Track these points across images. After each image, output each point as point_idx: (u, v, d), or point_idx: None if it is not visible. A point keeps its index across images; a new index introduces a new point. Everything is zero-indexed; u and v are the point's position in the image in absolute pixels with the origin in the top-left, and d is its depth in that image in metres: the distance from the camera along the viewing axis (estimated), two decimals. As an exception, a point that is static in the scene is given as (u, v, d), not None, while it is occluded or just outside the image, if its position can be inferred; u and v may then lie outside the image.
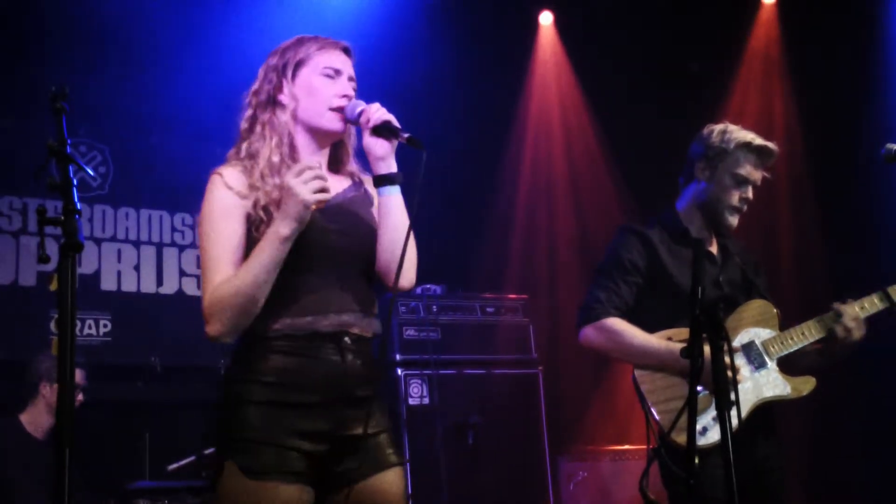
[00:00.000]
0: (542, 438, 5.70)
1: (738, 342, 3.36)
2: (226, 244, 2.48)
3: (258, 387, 2.44)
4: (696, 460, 2.57)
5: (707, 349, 2.85)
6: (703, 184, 3.50)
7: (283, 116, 2.62)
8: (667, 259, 3.44)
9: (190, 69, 5.86)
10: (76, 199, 2.18)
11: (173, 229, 6.14)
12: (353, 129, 2.72)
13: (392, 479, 2.53)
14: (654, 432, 3.26)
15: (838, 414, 5.94)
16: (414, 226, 2.57)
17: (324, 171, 2.51)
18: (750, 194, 3.49)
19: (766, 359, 3.37)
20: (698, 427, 3.21)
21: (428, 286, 5.84)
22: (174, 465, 4.83)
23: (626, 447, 5.72)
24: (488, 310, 5.91)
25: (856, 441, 6.00)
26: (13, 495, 4.59)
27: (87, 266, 5.80)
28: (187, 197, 6.09)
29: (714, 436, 3.18)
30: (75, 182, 2.22)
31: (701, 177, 3.50)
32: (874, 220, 6.16)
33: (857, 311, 3.41)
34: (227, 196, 2.51)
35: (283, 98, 2.64)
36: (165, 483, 4.76)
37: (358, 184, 2.71)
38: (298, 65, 2.65)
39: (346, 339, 2.49)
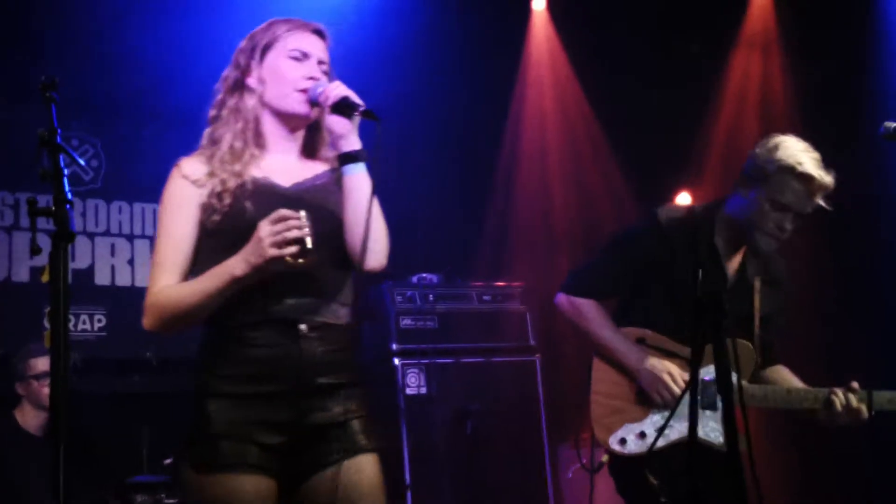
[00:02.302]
0: (541, 426, 5.68)
1: (700, 375, 3.22)
2: (174, 243, 2.48)
3: (215, 379, 2.43)
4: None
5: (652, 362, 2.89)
6: (743, 199, 3.31)
7: (251, 101, 2.60)
8: (676, 264, 3.29)
9: (183, 62, 5.82)
10: (67, 189, 2.17)
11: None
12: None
13: (362, 466, 2.48)
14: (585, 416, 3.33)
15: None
16: (387, 206, 2.58)
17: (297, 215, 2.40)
18: (789, 225, 3.26)
19: (719, 404, 3.12)
20: (618, 436, 3.26)
21: (424, 275, 5.82)
22: (171, 459, 4.81)
23: (626, 434, 5.70)
24: (485, 297, 5.88)
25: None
26: (11, 491, 4.57)
27: (80, 261, 5.77)
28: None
29: (634, 448, 3.22)
30: (66, 172, 2.21)
31: (742, 193, 3.31)
32: (877, 205, 6.15)
33: (854, 403, 3.28)
34: (181, 186, 2.51)
35: (251, 82, 2.61)
36: (164, 477, 4.73)
37: (333, 170, 2.66)
38: (266, 48, 2.63)
39: (303, 326, 2.44)
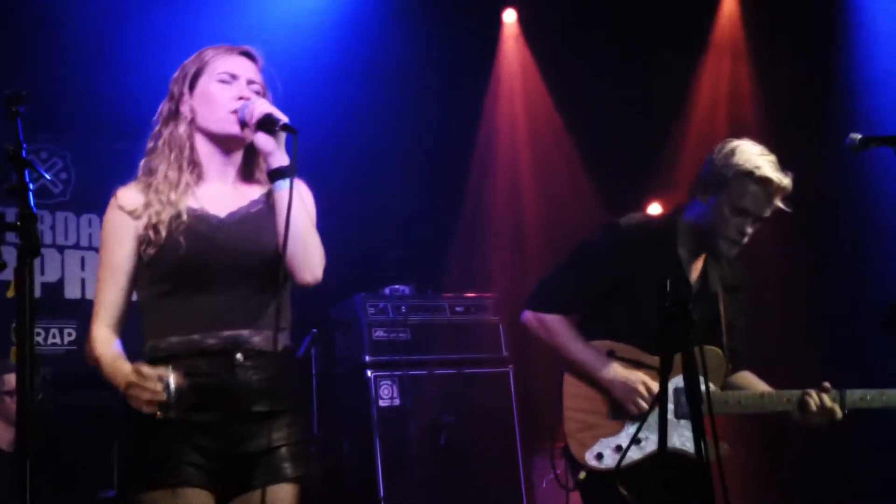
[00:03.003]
0: (515, 436, 5.69)
1: (674, 384, 3.25)
2: (112, 276, 2.54)
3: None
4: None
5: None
6: (702, 206, 3.30)
7: (182, 127, 2.62)
8: (638, 274, 3.28)
9: (152, 75, 5.78)
10: (32, 204, 2.16)
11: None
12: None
13: (281, 495, 2.51)
14: (559, 432, 3.32)
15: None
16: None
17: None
18: (749, 228, 3.26)
19: None
20: (595, 452, 3.26)
21: (396, 287, 5.82)
22: (115, 492, 4.79)
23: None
24: (458, 309, 5.89)
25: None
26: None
27: (50, 274, 5.73)
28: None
29: (610, 462, 3.22)
30: (32, 186, 2.20)
31: (701, 199, 3.30)
32: (845, 212, 6.21)
33: (828, 403, 3.29)
34: (118, 217, 2.57)
35: (184, 109, 2.64)
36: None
37: (268, 193, 2.65)
38: (196, 75, 2.65)
39: (238, 355, 2.48)
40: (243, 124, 2.58)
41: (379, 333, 5.60)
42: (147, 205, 2.54)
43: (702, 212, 3.30)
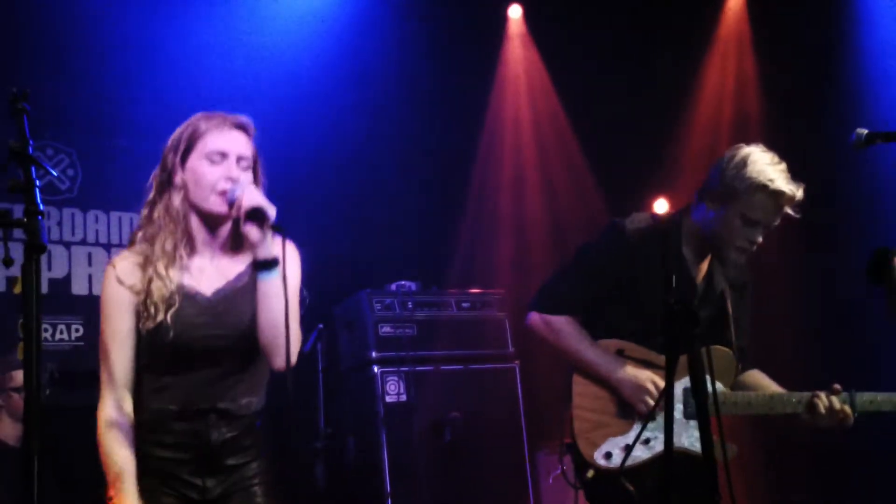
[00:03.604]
0: (521, 432, 5.69)
1: (681, 385, 3.26)
2: (120, 347, 2.66)
3: (152, 460, 2.68)
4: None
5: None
6: (711, 213, 3.28)
7: (177, 200, 2.71)
8: (642, 275, 3.26)
9: (156, 72, 5.81)
10: (39, 201, 2.16)
11: (145, 232, 6.09)
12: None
13: None
14: (568, 431, 3.31)
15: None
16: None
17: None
18: (759, 238, 3.26)
19: None
20: (603, 451, 3.25)
21: (403, 283, 5.82)
22: None
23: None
24: (464, 305, 5.89)
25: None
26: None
27: (57, 270, 5.74)
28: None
29: (619, 461, 3.21)
30: (38, 183, 2.20)
31: (710, 206, 3.28)
32: (851, 208, 6.20)
33: (837, 405, 3.27)
34: (117, 291, 2.67)
35: (177, 181, 2.72)
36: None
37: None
38: (187, 151, 2.72)
39: (213, 415, 2.68)
40: (232, 204, 2.66)
41: (385, 329, 5.60)
42: (146, 280, 2.66)
43: (710, 218, 3.29)
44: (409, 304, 5.73)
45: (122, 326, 2.66)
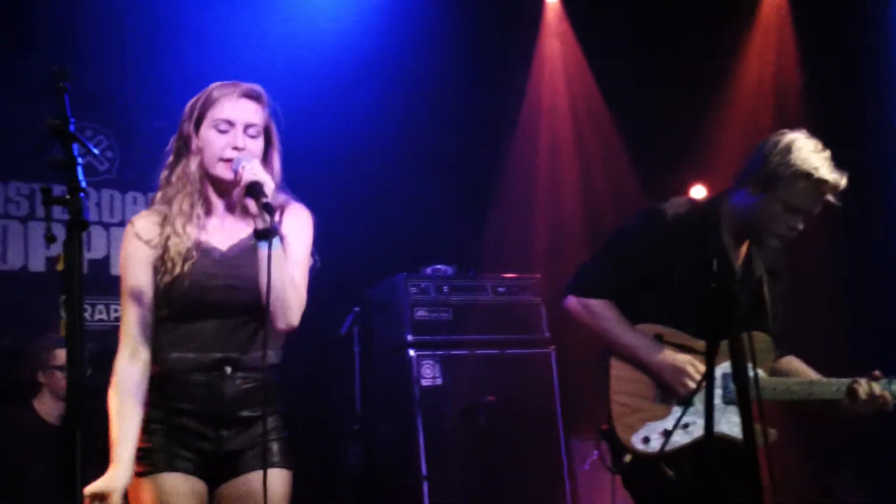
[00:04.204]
0: (557, 418, 5.67)
1: (721, 370, 3.23)
2: (135, 299, 2.80)
3: (155, 411, 2.79)
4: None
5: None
6: (751, 199, 3.26)
7: (194, 164, 2.85)
8: (680, 260, 3.24)
9: (194, 53, 5.84)
10: (81, 178, 2.17)
11: (182, 213, 6.12)
12: (276, 166, 2.92)
13: (256, 480, 2.73)
14: (604, 415, 3.29)
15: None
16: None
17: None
18: (800, 225, 3.24)
19: None
20: (641, 436, 3.23)
21: (438, 266, 5.81)
22: None
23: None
24: (499, 290, 5.87)
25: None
26: (28, 480, 4.59)
27: (96, 251, 5.79)
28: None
29: (657, 446, 3.18)
30: (80, 161, 2.21)
31: (751, 191, 3.25)
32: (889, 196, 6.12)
33: (877, 391, 3.24)
34: (136, 247, 2.82)
35: (193, 148, 2.86)
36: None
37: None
38: (199, 119, 2.85)
39: (228, 368, 2.76)
40: (236, 174, 2.77)
41: (421, 313, 5.60)
42: (164, 236, 2.80)
43: (751, 203, 3.26)
44: (445, 289, 5.72)
45: (140, 280, 2.79)
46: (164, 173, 2.89)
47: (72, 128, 2.22)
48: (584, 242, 6.57)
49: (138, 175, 5.92)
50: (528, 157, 6.99)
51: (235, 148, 2.80)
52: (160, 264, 2.78)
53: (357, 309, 5.61)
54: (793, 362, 3.50)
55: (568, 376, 5.77)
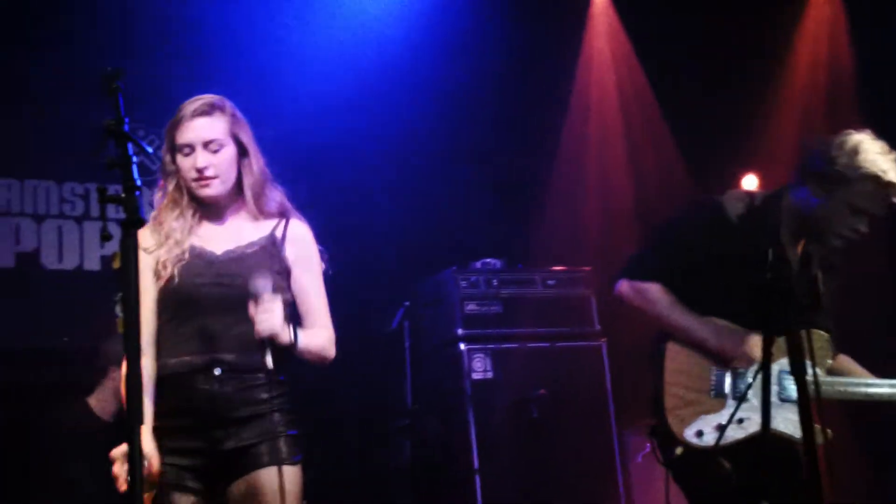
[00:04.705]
0: (609, 411, 5.64)
1: (778, 367, 3.18)
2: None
3: (155, 413, 2.85)
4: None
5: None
6: (815, 199, 3.21)
7: (176, 185, 3.00)
8: (737, 253, 3.21)
9: (242, 56, 5.89)
10: (136, 177, 2.20)
11: (232, 210, 6.18)
12: (256, 167, 3.01)
13: (263, 477, 2.84)
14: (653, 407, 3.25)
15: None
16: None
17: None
18: (864, 228, 3.21)
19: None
20: (694, 429, 3.18)
21: (488, 260, 5.81)
22: None
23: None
24: (549, 282, 5.85)
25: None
26: (81, 476, 4.64)
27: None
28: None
29: (711, 440, 3.14)
30: (135, 160, 2.24)
31: (814, 191, 3.21)
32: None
33: None
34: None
35: (171, 170, 3.01)
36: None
37: (270, 230, 3.00)
38: (171, 143, 3.00)
39: (217, 370, 2.83)
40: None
41: (471, 307, 5.60)
42: (158, 245, 2.93)
43: (815, 203, 3.23)
44: (495, 282, 5.72)
45: (142, 284, 2.82)
46: (158, 194, 3.06)
47: (126, 127, 2.24)
48: (634, 235, 6.51)
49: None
50: (577, 150, 6.95)
51: (197, 169, 2.91)
52: (156, 270, 2.90)
53: (407, 304, 5.62)
54: (847, 362, 3.46)
55: (619, 369, 5.74)
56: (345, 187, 6.17)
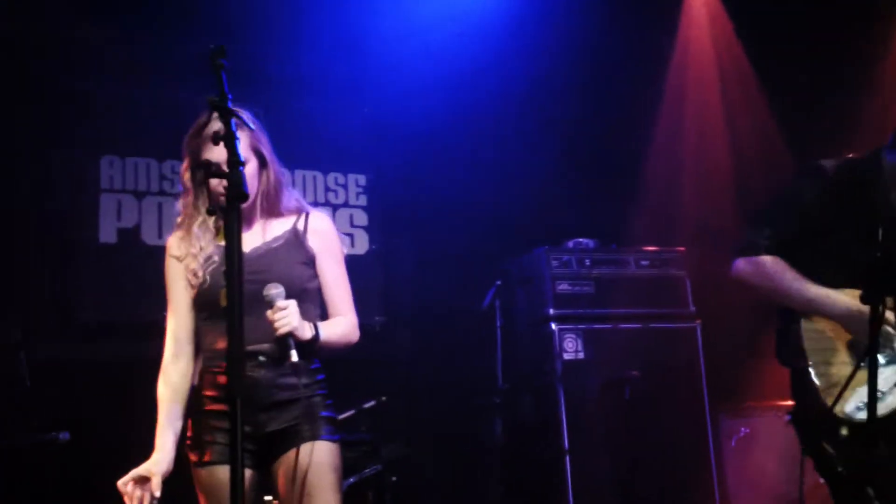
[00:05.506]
0: (703, 393, 5.57)
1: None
2: (175, 312, 3.13)
3: (200, 399, 3.06)
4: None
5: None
6: None
7: (199, 198, 3.10)
8: (845, 215, 3.13)
9: (338, 38, 5.92)
10: (239, 152, 2.23)
11: (327, 189, 6.23)
12: (273, 176, 3.15)
13: (304, 451, 2.97)
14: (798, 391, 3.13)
15: None
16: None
17: None
18: None
19: None
20: (854, 404, 2.98)
21: (580, 240, 5.76)
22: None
23: (790, 403, 5.50)
24: (643, 263, 5.78)
25: None
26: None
27: (243, 227, 5.94)
28: (338, 158, 6.18)
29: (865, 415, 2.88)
30: (237, 136, 2.27)
31: None
32: None
33: None
34: (171, 265, 3.16)
35: (191, 185, 3.11)
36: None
37: (292, 229, 3.14)
38: (191, 160, 3.09)
39: (261, 357, 2.97)
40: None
41: (563, 286, 5.57)
42: (189, 254, 3.09)
43: None
44: (587, 262, 5.68)
45: (176, 292, 3.12)
46: (180, 203, 3.17)
47: (229, 104, 2.27)
48: (731, 216, 6.39)
49: (285, 151, 6.03)
50: (675, 130, 6.84)
51: (225, 188, 2.95)
52: (188, 277, 3.08)
53: (499, 282, 5.61)
54: None
55: (715, 351, 5.64)
56: (440, 166, 6.18)
